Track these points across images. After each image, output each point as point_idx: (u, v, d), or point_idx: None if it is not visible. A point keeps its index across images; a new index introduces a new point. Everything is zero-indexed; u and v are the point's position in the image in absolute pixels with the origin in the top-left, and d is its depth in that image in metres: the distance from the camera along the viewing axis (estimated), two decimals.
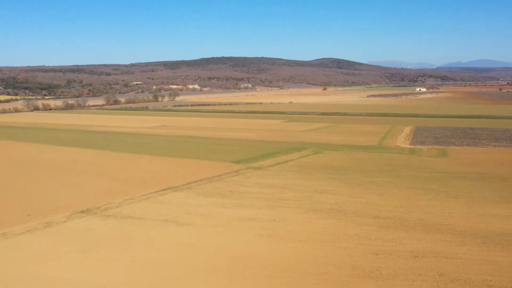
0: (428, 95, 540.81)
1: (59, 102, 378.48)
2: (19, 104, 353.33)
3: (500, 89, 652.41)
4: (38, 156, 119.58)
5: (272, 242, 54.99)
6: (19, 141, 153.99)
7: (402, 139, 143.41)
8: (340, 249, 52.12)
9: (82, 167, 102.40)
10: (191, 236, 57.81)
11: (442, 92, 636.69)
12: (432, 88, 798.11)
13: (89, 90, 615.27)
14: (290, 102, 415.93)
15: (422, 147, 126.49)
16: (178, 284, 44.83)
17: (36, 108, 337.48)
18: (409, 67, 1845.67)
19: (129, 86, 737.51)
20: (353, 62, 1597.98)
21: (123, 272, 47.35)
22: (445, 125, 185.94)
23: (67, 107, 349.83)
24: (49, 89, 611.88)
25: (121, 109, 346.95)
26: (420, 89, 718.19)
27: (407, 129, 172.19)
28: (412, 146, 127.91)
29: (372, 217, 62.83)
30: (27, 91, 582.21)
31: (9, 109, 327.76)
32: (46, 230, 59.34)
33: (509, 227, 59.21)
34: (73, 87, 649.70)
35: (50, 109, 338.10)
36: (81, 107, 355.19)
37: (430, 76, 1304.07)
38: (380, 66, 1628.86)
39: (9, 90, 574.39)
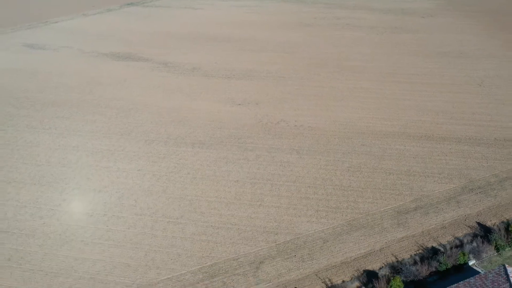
0: None
1: None
2: None
3: None
4: None
5: (255, 15, 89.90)
6: None
7: None
8: (296, 16, 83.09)
9: None
10: (203, 15, 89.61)
11: None
12: None
13: None
14: None
15: None
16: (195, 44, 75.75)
17: None
18: None
19: None
20: None
21: (157, 25, 78.86)
22: None
23: None
24: None
25: None
26: None
27: None
28: None
29: (318, 15, 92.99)
30: None
31: None
32: (108, 12, 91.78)
33: (411, 6, 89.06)
34: None
35: None
36: None
37: None
38: None
39: None
